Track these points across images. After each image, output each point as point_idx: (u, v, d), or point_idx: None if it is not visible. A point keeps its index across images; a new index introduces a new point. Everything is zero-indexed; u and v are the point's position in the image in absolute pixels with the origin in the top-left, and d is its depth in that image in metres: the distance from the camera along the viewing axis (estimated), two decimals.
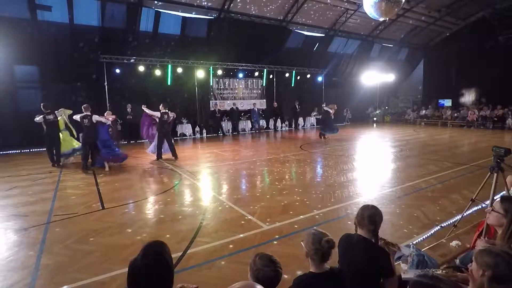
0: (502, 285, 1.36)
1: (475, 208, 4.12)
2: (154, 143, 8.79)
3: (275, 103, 17.10)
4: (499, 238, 1.99)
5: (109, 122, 7.97)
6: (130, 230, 3.94)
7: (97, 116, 7.54)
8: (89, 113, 7.51)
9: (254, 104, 16.73)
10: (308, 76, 18.41)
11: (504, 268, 1.38)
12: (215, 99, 16.05)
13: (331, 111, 12.98)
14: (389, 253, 2.07)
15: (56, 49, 11.30)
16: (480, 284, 1.45)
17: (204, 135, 15.03)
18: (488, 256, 1.46)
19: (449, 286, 1.26)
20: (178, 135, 14.50)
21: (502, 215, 1.99)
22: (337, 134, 13.22)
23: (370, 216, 2.05)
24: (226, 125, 15.96)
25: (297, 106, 17.65)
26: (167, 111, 8.74)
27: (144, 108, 8.89)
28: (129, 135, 12.92)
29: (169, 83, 14.15)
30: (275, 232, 3.79)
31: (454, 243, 3.29)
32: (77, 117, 7.60)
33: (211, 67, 15.10)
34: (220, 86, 16.26)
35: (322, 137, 12.89)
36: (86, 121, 7.42)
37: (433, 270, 2.10)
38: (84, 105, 7.61)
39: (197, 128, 15.09)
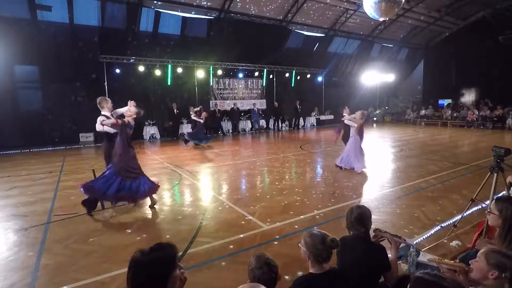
0: None
1: (475, 208, 4.11)
2: (349, 153, 6.97)
3: (276, 103, 17.11)
4: (496, 238, 2.02)
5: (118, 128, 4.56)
6: (130, 230, 3.93)
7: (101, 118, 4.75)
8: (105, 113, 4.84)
9: (254, 104, 16.74)
10: (308, 76, 18.42)
11: None
12: (215, 99, 16.05)
13: (201, 120, 11.25)
14: (384, 247, 2.09)
15: (56, 49, 11.32)
16: (494, 286, 1.45)
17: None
18: (503, 258, 1.49)
19: (451, 284, 1.26)
20: (178, 135, 14.51)
21: (497, 216, 2.02)
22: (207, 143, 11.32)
23: (357, 218, 2.09)
24: (226, 125, 15.97)
25: (298, 106, 17.64)
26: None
27: (347, 117, 7.24)
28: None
29: (169, 83, 14.16)
30: (275, 232, 3.79)
31: (454, 243, 3.30)
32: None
33: (211, 67, 15.11)
34: (220, 86, 16.26)
35: (185, 143, 11.52)
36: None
37: (437, 257, 2.10)
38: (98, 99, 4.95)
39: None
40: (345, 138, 7.59)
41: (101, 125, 4.51)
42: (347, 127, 7.33)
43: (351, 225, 2.11)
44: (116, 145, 4.44)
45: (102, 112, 4.67)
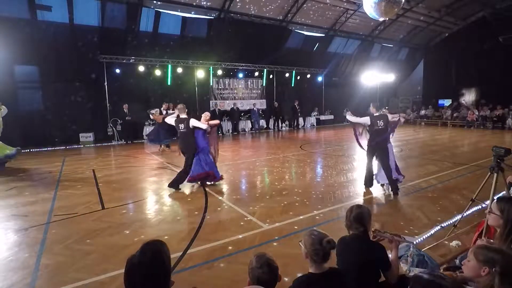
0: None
1: (475, 208, 4.11)
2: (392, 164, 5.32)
3: (276, 103, 17.11)
4: (497, 238, 2.01)
5: (209, 128, 5.97)
6: (130, 230, 3.93)
7: (195, 120, 5.80)
8: (183, 115, 5.92)
9: (254, 104, 16.74)
10: (308, 76, 18.43)
11: (511, 263, 1.44)
12: (215, 99, 16.05)
13: (156, 117, 10.26)
14: (384, 246, 2.09)
15: (56, 49, 11.32)
16: (486, 282, 1.46)
17: None
18: (491, 253, 1.51)
19: (451, 284, 1.27)
20: (179, 135, 14.50)
21: (499, 216, 2.00)
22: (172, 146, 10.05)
23: (356, 217, 2.09)
24: (226, 125, 15.97)
25: (297, 106, 17.65)
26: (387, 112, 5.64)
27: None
28: (130, 135, 12.90)
29: (169, 83, 14.17)
30: (275, 233, 3.79)
31: (454, 243, 3.30)
32: (171, 120, 6.14)
33: (211, 67, 15.11)
34: (220, 86, 16.27)
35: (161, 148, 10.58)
36: (181, 126, 5.84)
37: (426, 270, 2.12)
38: (179, 105, 6.04)
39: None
40: (378, 145, 5.30)
41: (207, 124, 5.83)
42: (375, 131, 5.32)
43: (350, 224, 2.11)
44: (201, 139, 5.89)
45: (182, 116, 5.90)
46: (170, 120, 6.14)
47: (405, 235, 2.32)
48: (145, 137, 11.60)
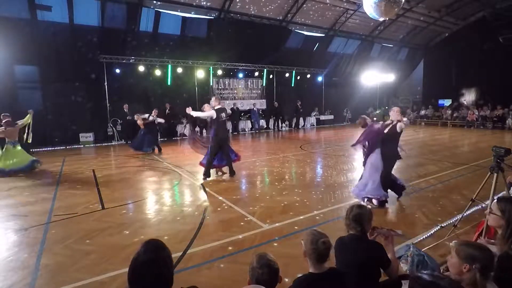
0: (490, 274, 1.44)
1: (475, 208, 4.11)
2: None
3: (276, 103, 17.11)
4: (499, 239, 1.99)
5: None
6: (130, 230, 3.93)
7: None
8: (219, 106, 6.32)
9: (254, 104, 16.74)
10: (308, 76, 18.43)
11: (490, 259, 1.47)
12: None
13: (138, 122, 10.01)
14: (382, 245, 2.09)
15: (56, 49, 11.32)
16: (469, 279, 1.46)
17: (204, 135, 14.99)
18: (471, 250, 1.52)
19: (450, 285, 1.27)
20: (178, 135, 14.50)
21: (500, 217, 1.99)
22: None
23: (355, 217, 2.09)
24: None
25: (299, 106, 17.67)
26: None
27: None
28: (130, 135, 12.87)
29: (169, 83, 14.17)
30: (275, 233, 3.78)
31: (454, 243, 3.29)
32: (208, 113, 6.28)
33: (211, 67, 15.12)
34: (220, 86, 16.27)
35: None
36: (223, 115, 6.17)
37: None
38: (214, 97, 6.71)
39: (197, 128, 15.05)
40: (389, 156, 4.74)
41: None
42: (390, 140, 4.64)
43: (349, 222, 2.11)
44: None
45: (218, 106, 6.31)
46: (204, 113, 6.44)
47: (396, 230, 2.35)
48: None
